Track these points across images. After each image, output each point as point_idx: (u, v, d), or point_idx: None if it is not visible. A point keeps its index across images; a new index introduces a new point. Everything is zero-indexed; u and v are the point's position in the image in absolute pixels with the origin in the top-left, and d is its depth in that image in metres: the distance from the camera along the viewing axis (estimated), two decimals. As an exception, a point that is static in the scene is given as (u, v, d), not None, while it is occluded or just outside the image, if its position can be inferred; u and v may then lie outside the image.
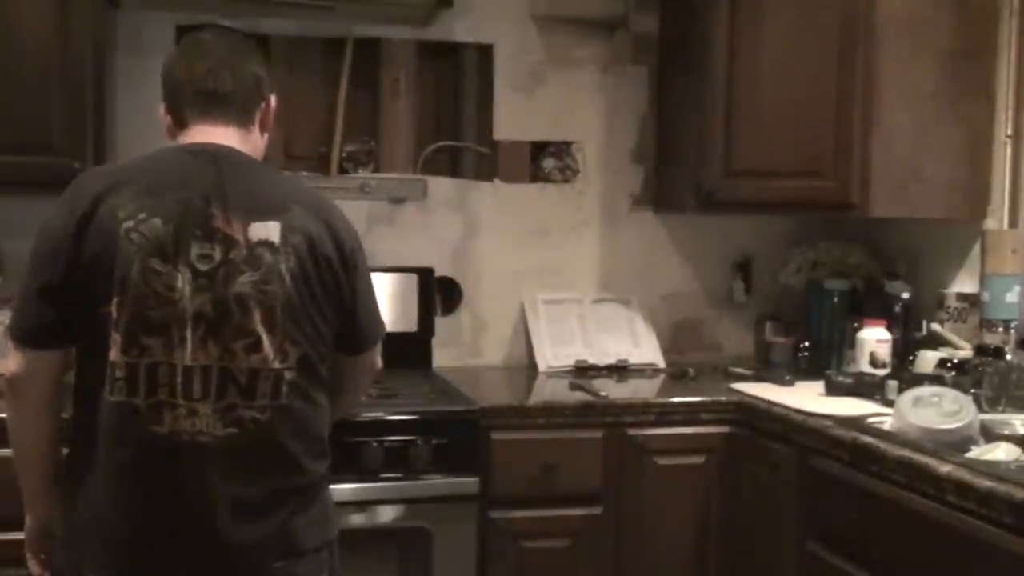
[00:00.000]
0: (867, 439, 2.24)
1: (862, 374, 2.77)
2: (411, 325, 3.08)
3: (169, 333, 1.64)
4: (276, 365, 1.68)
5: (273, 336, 1.68)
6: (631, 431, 2.67)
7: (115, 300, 1.63)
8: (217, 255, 1.66)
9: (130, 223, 1.63)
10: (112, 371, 1.63)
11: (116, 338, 1.63)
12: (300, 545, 1.75)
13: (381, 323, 1.94)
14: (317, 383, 1.77)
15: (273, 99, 1.89)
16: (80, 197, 1.67)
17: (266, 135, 1.90)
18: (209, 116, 1.79)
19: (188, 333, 1.64)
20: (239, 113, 1.81)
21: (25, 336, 1.70)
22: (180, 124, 1.81)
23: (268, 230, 1.69)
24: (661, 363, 3.21)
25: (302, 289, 1.71)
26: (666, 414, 2.71)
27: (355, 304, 1.83)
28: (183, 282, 1.64)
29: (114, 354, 1.63)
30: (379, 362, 1.99)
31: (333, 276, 1.76)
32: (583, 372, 3.10)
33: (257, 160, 1.85)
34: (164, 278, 1.63)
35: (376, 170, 3.17)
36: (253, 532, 1.69)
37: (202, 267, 1.65)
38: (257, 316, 1.66)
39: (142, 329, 1.63)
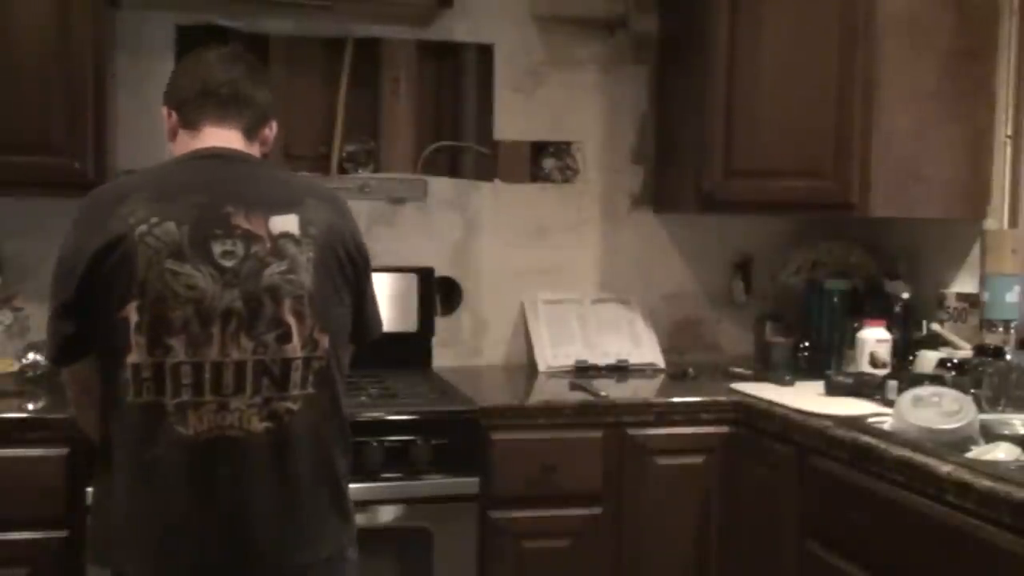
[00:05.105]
0: (867, 439, 2.24)
1: (862, 374, 2.77)
2: (411, 325, 3.08)
3: (193, 331, 1.66)
4: (305, 354, 1.72)
5: (302, 325, 1.71)
6: (631, 431, 2.67)
7: (135, 304, 1.65)
8: (240, 251, 1.69)
9: (143, 228, 1.66)
10: (137, 373, 1.66)
11: (139, 340, 1.65)
12: (330, 545, 1.78)
13: (380, 322, 1.97)
14: (340, 373, 1.80)
15: (275, 124, 1.94)
16: (93, 213, 1.71)
17: (263, 153, 1.93)
18: (223, 121, 1.83)
19: (215, 330, 1.66)
20: (249, 124, 1.86)
21: (57, 357, 1.78)
22: (189, 125, 1.84)
23: (287, 223, 1.73)
24: (661, 363, 3.20)
25: (324, 279, 1.75)
26: (666, 414, 2.70)
27: (364, 297, 1.88)
28: (206, 281, 1.66)
29: (138, 356, 1.65)
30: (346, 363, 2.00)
31: (352, 266, 1.81)
32: (583, 372, 3.10)
33: (263, 160, 1.91)
34: (183, 278, 1.66)
35: (376, 170, 3.17)
36: (284, 531, 1.71)
37: (227, 264, 1.68)
38: (287, 306, 1.70)
39: (165, 330, 1.65)
